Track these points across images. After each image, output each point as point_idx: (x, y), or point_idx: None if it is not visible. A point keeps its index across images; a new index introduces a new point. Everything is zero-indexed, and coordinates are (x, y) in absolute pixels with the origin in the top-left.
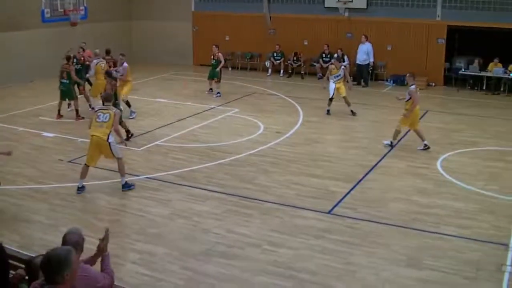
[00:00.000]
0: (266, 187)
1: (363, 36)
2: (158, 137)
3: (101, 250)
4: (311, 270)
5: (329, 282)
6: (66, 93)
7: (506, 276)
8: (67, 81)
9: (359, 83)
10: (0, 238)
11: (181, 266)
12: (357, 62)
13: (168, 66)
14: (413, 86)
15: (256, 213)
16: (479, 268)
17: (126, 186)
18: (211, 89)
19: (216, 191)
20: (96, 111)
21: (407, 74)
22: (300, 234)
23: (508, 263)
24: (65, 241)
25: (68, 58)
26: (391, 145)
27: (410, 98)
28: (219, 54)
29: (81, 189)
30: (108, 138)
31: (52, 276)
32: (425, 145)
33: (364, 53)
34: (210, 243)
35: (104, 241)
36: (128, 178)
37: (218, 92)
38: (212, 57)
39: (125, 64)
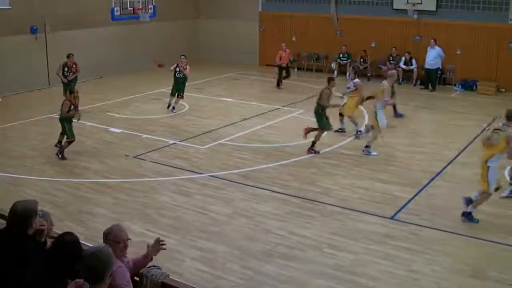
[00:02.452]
0: (329, 190)
1: (432, 40)
2: (222, 136)
3: (147, 257)
4: (371, 276)
5: None
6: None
7: None
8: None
9: (426, 87)
10: (66, 229)
11: (241, 265)
12: (426, 66)
13: (234, 66)
14: None
15: (318, 216)
16: None
17: (469, 219)
18: (169, 105)
19: (278, 192)
20: (493, 130)
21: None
22: (361, 238)
23: None
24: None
25: (71, 91)
26: None
27: None
28: (188, 67)
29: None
30: (488, 161)
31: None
32: None
33: (434, 57)
34: (271, 243)
35: (153, 250)
36: (191, 176)
37: (174, 107)
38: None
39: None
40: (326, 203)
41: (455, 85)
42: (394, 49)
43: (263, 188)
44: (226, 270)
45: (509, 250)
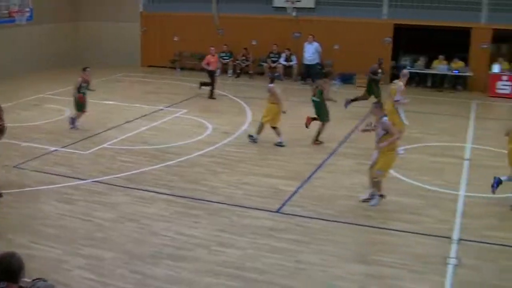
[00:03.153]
0: (215, 188)
1: (310, 36)
2: (106, 139)
3: None
4: (260, 270)
5: (278, 281)
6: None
7: (450, 269)
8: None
9: (307, 83)
10: None
11: (130, 270)
12: (305, 62)
13: (116, 68)
14: (385, 118)
15: (205, 214)
16: (426, 261)
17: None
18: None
19: (164, 193)
20: None
21: (373, 106)
22: (248, 233)
23: (453, 255)
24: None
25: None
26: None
27: (387, 132)
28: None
29: None
30: None
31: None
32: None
33: (313, 53)
34: (159, 245)
35: None
36: (75, 183)
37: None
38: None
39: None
40: (212, 201)
41: (334, 79)
42: (275, 46)
43: (148, 190)
44: (115, 276)
45: (389, 234)
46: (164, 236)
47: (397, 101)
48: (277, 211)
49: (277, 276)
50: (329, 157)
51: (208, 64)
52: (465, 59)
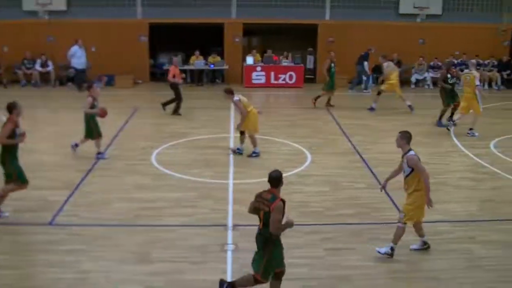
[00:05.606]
0: None
1: (79, 39)
2: None
3: None
4: (39, 286)
5: None
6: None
7: (229, 254)
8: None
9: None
10: None
11: None
12: (80, 67)
13: None
14: (412, 152)
15: None
16: (205, 251)
17: None
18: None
19: None
20: None
21: (399, 135)
22: (23, 251)
23: (230, 241)
24: None
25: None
26: None
27: (413, 170)
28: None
29: None
30: None
31: None
32: None
33: (82, 58)
34: None
35: None
36: None
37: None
38: None
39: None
40: None
41: (95, 82)
42: (27, 52)
43: None
44: None
45: (167, 231)
46: None
47: (478, 86)
48: (49, 224)
49: None
50: (97, 161)
51: (174, 76)
52: (221, 53)
